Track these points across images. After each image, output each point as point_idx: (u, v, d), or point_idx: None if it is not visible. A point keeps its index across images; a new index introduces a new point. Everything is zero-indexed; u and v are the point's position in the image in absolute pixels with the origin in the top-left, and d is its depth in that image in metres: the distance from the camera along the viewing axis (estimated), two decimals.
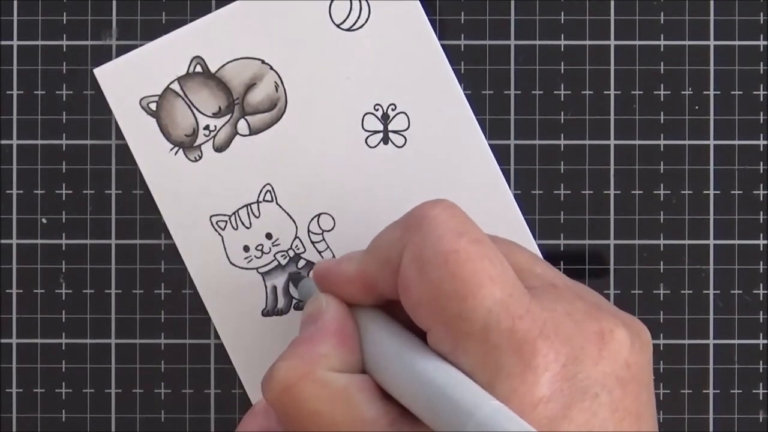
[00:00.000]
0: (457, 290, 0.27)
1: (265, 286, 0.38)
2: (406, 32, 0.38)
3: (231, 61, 0.38)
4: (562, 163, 0.39)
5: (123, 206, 0.38)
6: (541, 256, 0.38)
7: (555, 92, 0.39)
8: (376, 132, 0.38)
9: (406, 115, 0.38)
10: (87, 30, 0.39)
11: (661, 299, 0.39)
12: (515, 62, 0.39)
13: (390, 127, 0.38)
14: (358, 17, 0.38)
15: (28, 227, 0.38)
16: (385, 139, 0.38)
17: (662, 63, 0.39)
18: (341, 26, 0.38)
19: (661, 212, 0.39)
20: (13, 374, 0.38)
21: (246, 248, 0.38)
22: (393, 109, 0.38)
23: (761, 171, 0.39)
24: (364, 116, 0.38)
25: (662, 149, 0.39)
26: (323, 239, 0.38)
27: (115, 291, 0.38)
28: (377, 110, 0.38)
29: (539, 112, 0.39)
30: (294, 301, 0.38)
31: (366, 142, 0.38)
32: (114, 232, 0.38)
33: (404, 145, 0.38)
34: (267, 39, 0.38)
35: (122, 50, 0.38)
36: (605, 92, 0.39)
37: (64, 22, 0.39)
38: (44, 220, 0.38)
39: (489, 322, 0.26)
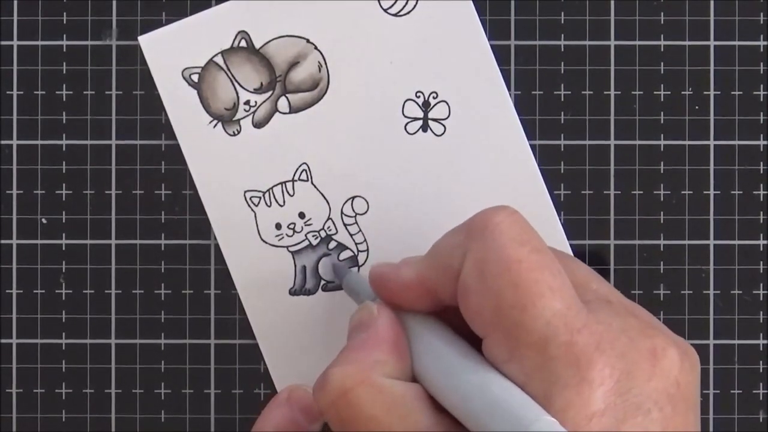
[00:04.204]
0: (518, 299, 0.27)
1: (295, 265, 0.38)
2: (453, 22, 0.38)
3: (276, 38, 0.38)
4: (562, 163, 0.39)
5: (123, 206, 0.38)
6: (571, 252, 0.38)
7: (555, 92, 0.39)
8: (415, 119, 0.38)
9: (447, 104, 0.38)
10: (87, 30, 0.39)
11: (661, 299, 0.39)
12: (515, 62, 0.39)
13: (430, 115, 0.38)
14: (406, 3, 0.38)
15: (28, 227, 0.38)
16: (425, 127, 0.38)
17: (662, 63, 0.39)
18: (389, 11, 0.38)
19: (661, 212, 0.39)
20: (13, 374, 0.38)
21: (278, 226, 0.38)
22: (434, 98, 0.38)
23: (761, 171, 0.39)
24: (405, 102, 0.38)
25: (662, 149, 0.39)
26: (356, 222, 0.38)
27: (115, 291, 0.38)
28: (418, 97, 0.38)
29: (539, 112, 0.39)
30: (322, 282, 0.38)
31: (405, 129, 0.38)
32: (114, 232, 0.38)
33: (443, 134, 0.38)
34: (313, 18, 0.38)
35: (122, 50, 0.38)
36: (605, 92, 0.39)
37: (64, 22, 0.39)
38: (44, 220, 0.38)
39: (548, 333, 0.27)
